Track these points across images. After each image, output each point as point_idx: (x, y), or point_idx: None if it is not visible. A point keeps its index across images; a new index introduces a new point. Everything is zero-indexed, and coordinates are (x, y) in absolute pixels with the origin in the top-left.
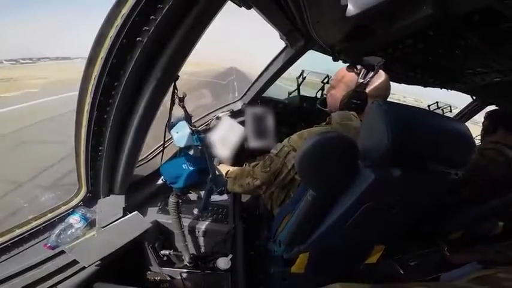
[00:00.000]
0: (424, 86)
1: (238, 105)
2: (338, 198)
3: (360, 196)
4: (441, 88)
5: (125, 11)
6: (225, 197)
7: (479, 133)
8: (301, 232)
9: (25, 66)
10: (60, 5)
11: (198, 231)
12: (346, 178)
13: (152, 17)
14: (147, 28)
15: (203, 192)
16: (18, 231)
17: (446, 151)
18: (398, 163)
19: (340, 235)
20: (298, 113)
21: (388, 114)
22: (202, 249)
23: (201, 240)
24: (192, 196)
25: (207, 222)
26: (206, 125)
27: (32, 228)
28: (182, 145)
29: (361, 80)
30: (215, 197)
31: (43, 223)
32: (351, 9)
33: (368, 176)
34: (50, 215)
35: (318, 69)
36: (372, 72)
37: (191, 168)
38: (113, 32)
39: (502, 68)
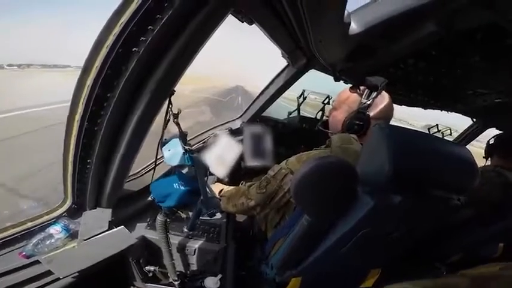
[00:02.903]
0: (425, 108)
1: (237, 124)
2: (334, 224)
3: (357, 222)
4: (441, 110)
5: (123, 19)
6: (218, 215)
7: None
8: (295, 256)
9: None
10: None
11: (188, 249)
12: (344, 204)
13: (150, 27)
14: (144, 38)
15: (191, 213)
16: None
17: (448, 176)
18: (399, 189)
19: (335, 260)
20: (297, 133)
21: (390, 139)
22: (191, 268)
23: (190, 258)
24: (183, 214)
25: (197, 241)
26: (203, 143)
27: (9, 236)
28: (173, 164)
29: (364, 101)
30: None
31: (21, 231)
32: (354, 27)
33: (367, 203)
34: (30, 224)
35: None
36: (375, 93)
37: (182, 188)
38: (110, 41)
39: (502, 88)
